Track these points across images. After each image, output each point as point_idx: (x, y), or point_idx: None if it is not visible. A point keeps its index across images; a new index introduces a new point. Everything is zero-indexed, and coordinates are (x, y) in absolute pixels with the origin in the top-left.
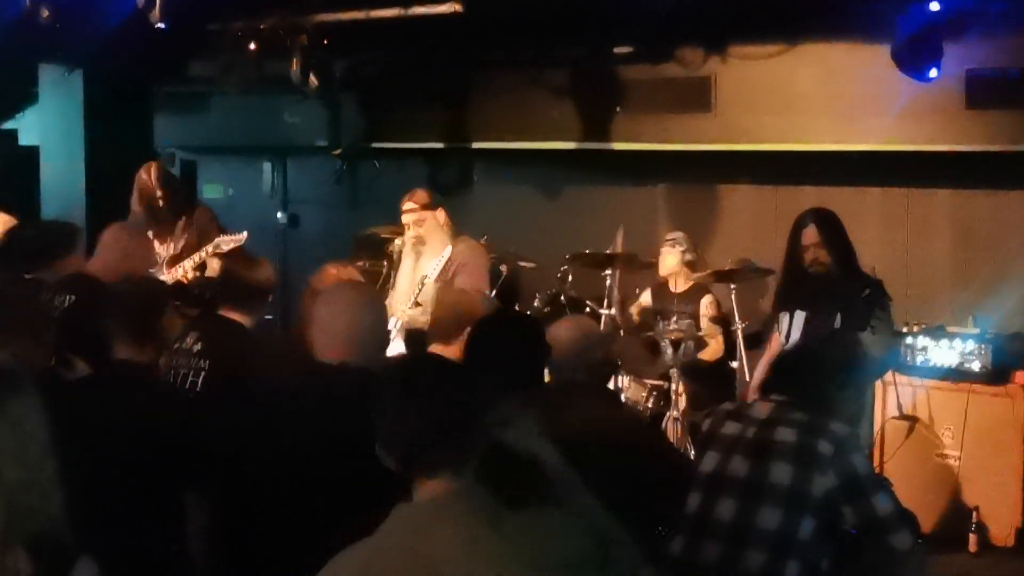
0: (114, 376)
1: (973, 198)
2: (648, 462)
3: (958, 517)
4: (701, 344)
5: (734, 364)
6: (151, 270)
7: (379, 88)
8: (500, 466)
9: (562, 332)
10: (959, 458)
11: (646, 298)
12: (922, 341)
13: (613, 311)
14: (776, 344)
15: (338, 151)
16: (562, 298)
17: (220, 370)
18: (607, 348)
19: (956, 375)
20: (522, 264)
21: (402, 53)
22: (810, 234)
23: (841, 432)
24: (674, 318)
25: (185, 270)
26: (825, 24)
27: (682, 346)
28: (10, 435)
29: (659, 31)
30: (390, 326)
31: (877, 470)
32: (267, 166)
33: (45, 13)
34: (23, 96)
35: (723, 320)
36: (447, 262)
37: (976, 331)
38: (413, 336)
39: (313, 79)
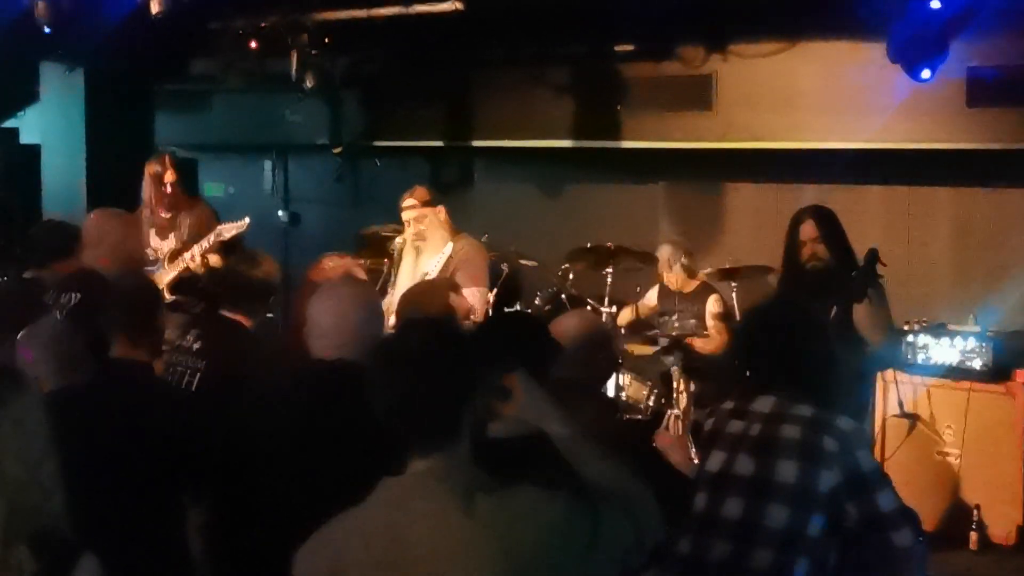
0: (112, 374)
1: (974, 196)
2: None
3: (959, 515)
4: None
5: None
6: (151, 267)
7: (380, 86)
8: (487, 442)
9: (568, 326)
10: (960, 456)
11: (651, 297)
12: (923, 339)
13: (614, 309)
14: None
15: (339, 149)
16: (563, 296)
17: (216, 370)
18: (611, 344)
19: (957, 373)
20: (523, 262)
21: (403, 51)
22: (807, 229)
23: (847, 428)
24: (675, 316)
25: (188, 260)
26: (826, 22)
27: (684, 344)
28: (12, 434)
29: (660, 29)
30: (389, 323)
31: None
32: (268, 164)
33: (43, 11)
34: (24, 94)
35: (727, 318)
36: (447, 259)
37: (977, 329)
38: None
39: (313, 77)
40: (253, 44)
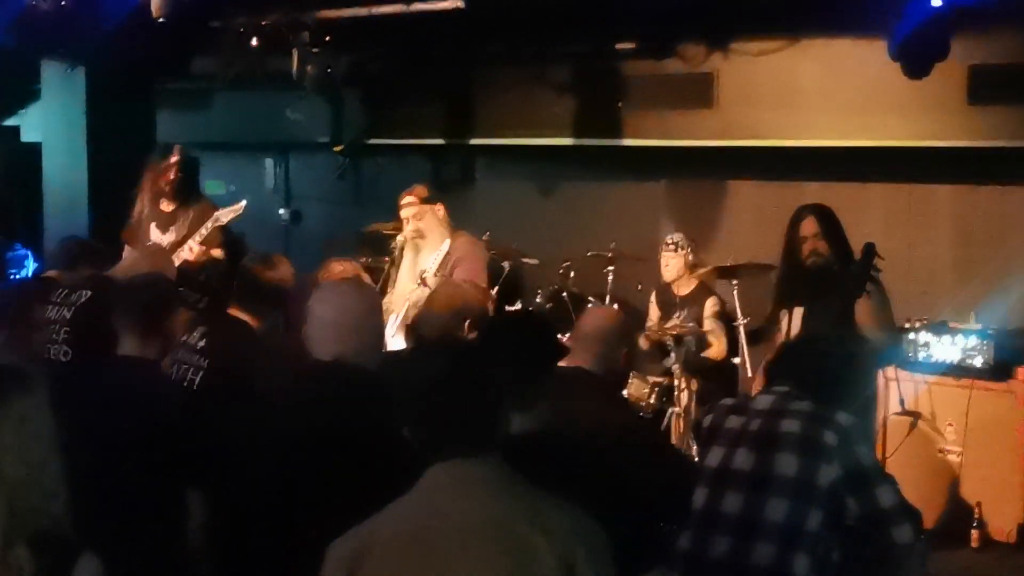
0: (114, 371)
1: (975, 194)
2: (650, 461)
3: (960, 513)
4: (704, 342)
5: (736, 360)
6: None
7: (381, 84)
8: (523, 449)
9: (595, 322)
10: (961, 454)
11: (652, 311)
12: (924, 337)
13: (615, 307)
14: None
15: (340, 147)
16: (564, 294)
17: (219, 369)
18: (633, 341)
19: (958, 371)
20: (524, 260)
21: (404, 49)
22: (808, 225)
23: (846, 422)
24: (676, 314)
25: (187, 251)
26: (827, 20)
27: (685, 343)
28: (14, 434)
29: (661, 27)
30: (389, 322)
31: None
32: (269, 162)
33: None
34: (26, 93)
35: (726, 318)
36: (445, 256)
37: (978, 327)
38: (414, 329)
39: (314, 75)
40: (254, 42)
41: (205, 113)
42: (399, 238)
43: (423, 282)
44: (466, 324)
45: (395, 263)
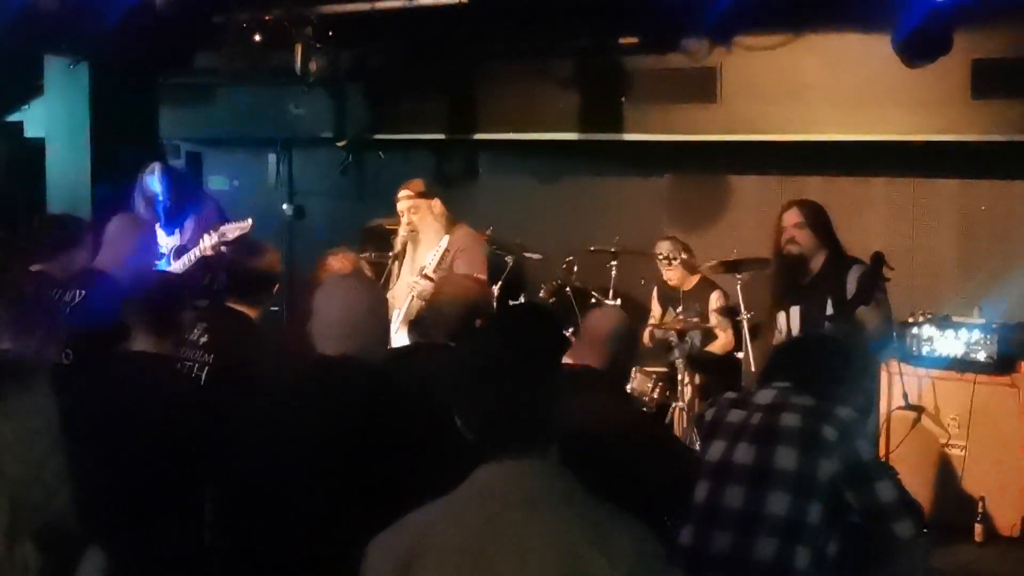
0: (133, 367)
1: (979, 188)
2: (655, 455)
3: (964, 507)
4: (708, 336)
5: (739, 354)
6: (157, 263)
7: (384, 79)
8: (582, 450)
9: (601, 320)
10: (965, 448)
11: (655, 307)
12: (928, 331)
13: (618, 302)
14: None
15: (343, 143)
16: (568, 289)
17: (224, 364)
18: (636, 339)
19: (962, 365)
20: (528, 255)
21: (407, 44)
22: (789, 216)
23: (846, 417)
24: (680, 309)
25: (191, 259)
26: (830, 14)
27: (688, 337)
28: (15, 432)
29: (664, 21)
30: (393, 318)
31: (883, 460)
32: (272, 158)
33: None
34: (29, 88)
35: (730, 312)
36: (444, 252)
37: (982, 321)
38: (417, 325)
39: (317, 70)
40: (257, 37)
41: (208, 108)
42: (401, 233)
43: (424, 278)
44: (477, 321)
45: (398, 258)
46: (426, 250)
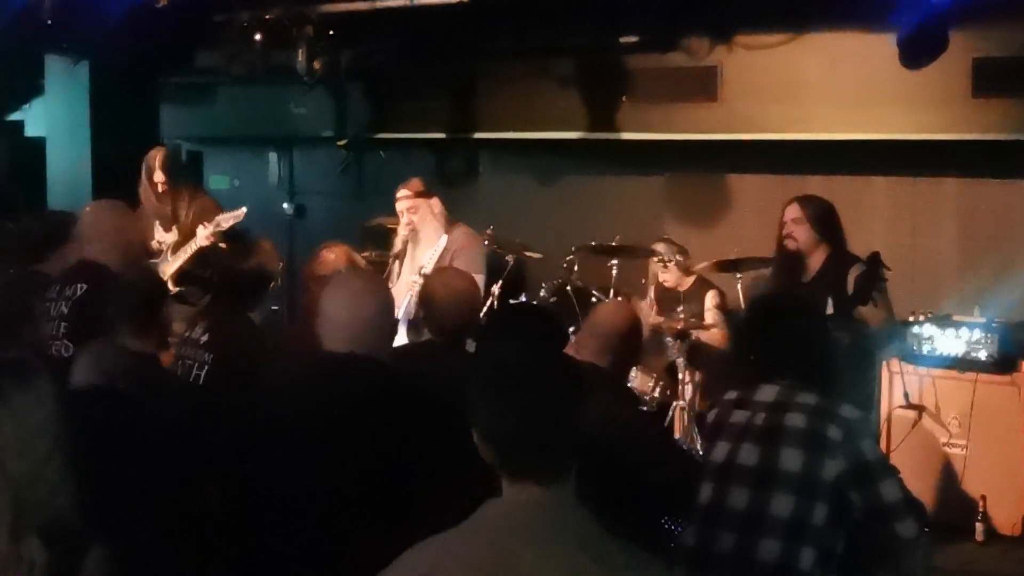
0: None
1: (979, 187)
2: (656, 457)
3: (964, 506)
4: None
5: None
6: (155, 260)
7: (385, 78)
8: (603, 484)
9: (608, 315)
10: (965, 447)
11: (652, 305)
12: (928, 330)
13: (621, 300)
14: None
15: (344, 142)
16: (568, 288)
17: (223, 363)
18: (642, 335)
19: (962, 364)
20: (528, 254)
21: (408, 44)
22: (790, 211)
23: (851, 417)
24: (679, 307)
25: (188, 252)
26: (831, 12)
27: (688, 337)
28: (16, 429)
29: (665, 20)
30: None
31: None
32: (273, 157)
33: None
34: (29, 87)
35: (727, 310)
36: (443, 251)
37: (982, 320)
38: (416, 327)
39: (318, 69)
40: (258, 36)
41: (209, 108)
42: (400, 232)
43: (423, 278)
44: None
45: (398, 257)
46: (425, 249)
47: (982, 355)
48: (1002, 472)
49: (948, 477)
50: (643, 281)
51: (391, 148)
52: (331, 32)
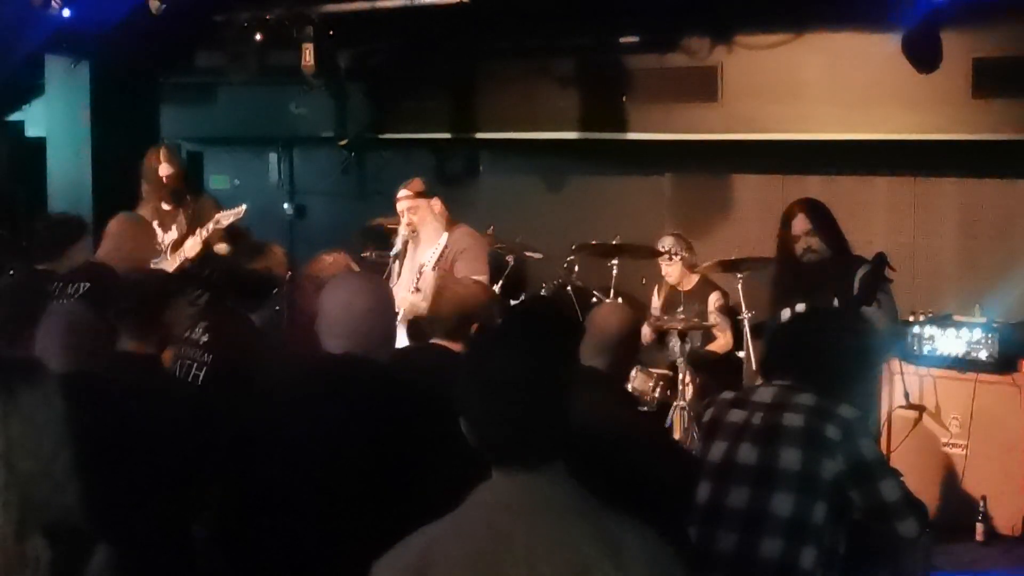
0: (119, 366)
1: (980, 186)
2: (657, 458)
3: (965, 506)
4: (709, 335)
5: (741, 354)
6: (155, 259)
7: (385, 78)
8: (592, 463)
9: (607, 317)
10: (966, 447)
11: (656, 305)
12: (929, 330)
13: (619, 301)
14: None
15: (344, 142)
16: (569, 288)
17: (223, 364)
18: (640, 336)
19: (963, 364)
20: (528, 254)
21: (408, 43)
22: (800, 223)
23: (849, 416)
24: (680, 308)
25: (188, 250)
26: (831, 12)
27: (688, 338)
28: (23, 427)
29: (665, 20)
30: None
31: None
32: (273, 157)
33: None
34: (30, 87)
35: (730, 311)
36: (443, 250)
37: (983, 320)
38: (416, 327)
39: (319, 70)
40: (258, 36)
41: (209, 108)
42: (401, 232)
43: (415, 292)
44: (473, 326)
45: (398, 257)
46: (426, 249)
47: (983, 355)
48: (1002, 472)
49: (948, 477)
50: (643, 281)
51: (391, 148)
52: (332, 32)
